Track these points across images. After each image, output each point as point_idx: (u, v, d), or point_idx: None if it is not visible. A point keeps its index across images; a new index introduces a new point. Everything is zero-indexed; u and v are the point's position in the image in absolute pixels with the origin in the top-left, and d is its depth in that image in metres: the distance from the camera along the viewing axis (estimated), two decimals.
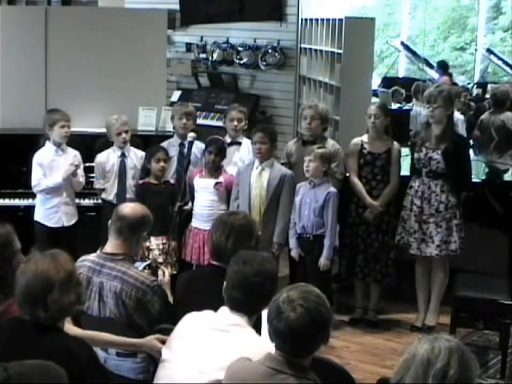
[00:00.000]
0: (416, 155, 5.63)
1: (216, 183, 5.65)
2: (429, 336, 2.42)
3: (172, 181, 5.88)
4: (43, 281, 2.75)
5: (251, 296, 3.01)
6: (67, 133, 5.81)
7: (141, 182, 5.86)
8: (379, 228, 5.73)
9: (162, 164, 5.72)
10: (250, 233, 3.66)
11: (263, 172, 5.61)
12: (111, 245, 3.64)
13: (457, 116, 7.48)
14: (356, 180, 5.76)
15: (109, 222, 3.69)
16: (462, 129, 7.84)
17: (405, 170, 5.86)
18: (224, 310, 3.05)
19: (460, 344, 2.38)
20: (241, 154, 6.04)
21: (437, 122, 5.55)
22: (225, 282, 3.07)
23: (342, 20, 7.01)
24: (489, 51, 11.69)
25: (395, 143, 5.78)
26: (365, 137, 5.80)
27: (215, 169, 5.68)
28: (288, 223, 5.55)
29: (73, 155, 5.88)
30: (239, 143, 6.07)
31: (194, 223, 5.68)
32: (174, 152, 6.03)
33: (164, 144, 6.03)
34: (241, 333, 2.97)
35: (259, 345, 2.87)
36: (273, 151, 5.73)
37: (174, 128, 6.23)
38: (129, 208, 3.70)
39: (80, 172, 5.90)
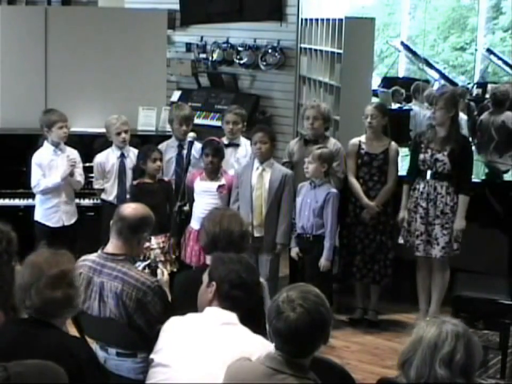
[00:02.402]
0: (421, 156, 5.58)
1: (219, 186, 5.62)
2: (436, 320, 2.46)
3: (166, 179, 5.87)
4: (34, 271, 2.82)
5: (251, 296, 3.10)
6: (66, 133, 5.81)
7: (135, 182, 5.82)
8: (376, 229, 5.72)
9: (159, 163, 5.73)
10: (239, 220, 3.78)
11: (264, 173, 5.58)
12: (112, 245, 3.64)
13: (461, 116, 7.46)
14: (353, 180, 5.75)
15: (111, 222, 3.70)
16: (465, 130, 7.82)
17: (405, 171, 5.85)
18: (212, 309, 3.06)
19: (466, 329, 2.43)
20: (238, 156, 6.01)
21: (439, 124, 5.53)
22: (217, 282, 3.09)
23: (342, 20, 7.00)
24: (489, 51, 11.70)
25: (393, 143, 5.76)
26: (363, 138, 5.79)
27: (214, 172, 5.64)
28: (290, 223, 5.55)
29: (70, 155, 5.88)
30: (237, 145, 6.05)
31: (195, 225, 5.64)
32: (172, 153, 6.01)
33: (162, 145, 6.00)
34: (236, 331, 2.99)
35: (257, 341, 2.92)
36: (273, 151, 5.73)
37: (172, 131, 6.21)
38: (130, 209, 3.69)
39: (79, 171, 5.89)
